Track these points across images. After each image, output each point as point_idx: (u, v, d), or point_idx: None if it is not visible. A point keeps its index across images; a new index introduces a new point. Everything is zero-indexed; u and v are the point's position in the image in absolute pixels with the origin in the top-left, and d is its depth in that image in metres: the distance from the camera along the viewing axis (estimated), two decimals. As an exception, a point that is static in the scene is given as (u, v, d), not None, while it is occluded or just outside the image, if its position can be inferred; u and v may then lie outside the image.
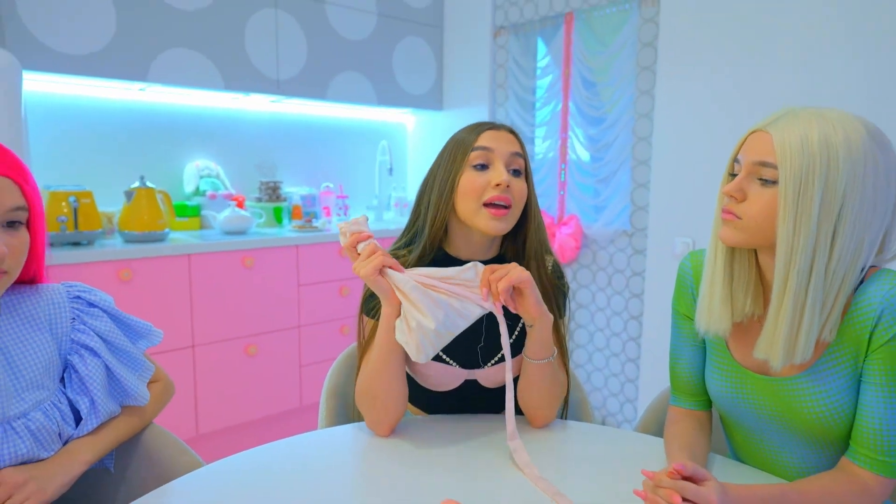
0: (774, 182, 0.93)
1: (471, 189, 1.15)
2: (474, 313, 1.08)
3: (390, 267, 1.08)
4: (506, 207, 1.15)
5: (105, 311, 1.09)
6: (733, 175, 1.00)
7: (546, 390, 1.18)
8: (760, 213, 0.94)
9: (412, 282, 1.06)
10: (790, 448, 1.04)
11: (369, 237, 1.10)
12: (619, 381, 3.05)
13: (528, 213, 1.22)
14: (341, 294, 3.01)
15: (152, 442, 1.15)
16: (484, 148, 1.17)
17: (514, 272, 1.06)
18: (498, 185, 1.13)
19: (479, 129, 1.20)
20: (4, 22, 2.24)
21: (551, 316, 1.14)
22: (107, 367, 1.07)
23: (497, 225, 1.15)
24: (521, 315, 1.13)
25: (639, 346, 2.95)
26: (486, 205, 1.14)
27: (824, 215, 0.90)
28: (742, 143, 0.99)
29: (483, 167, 1.17)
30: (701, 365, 1.16)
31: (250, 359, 2.71)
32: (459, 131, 1.23)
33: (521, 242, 1.24)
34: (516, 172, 1.19)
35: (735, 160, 1.00)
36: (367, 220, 1.14)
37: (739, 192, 0.96)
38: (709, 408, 1.18)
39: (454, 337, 1.08)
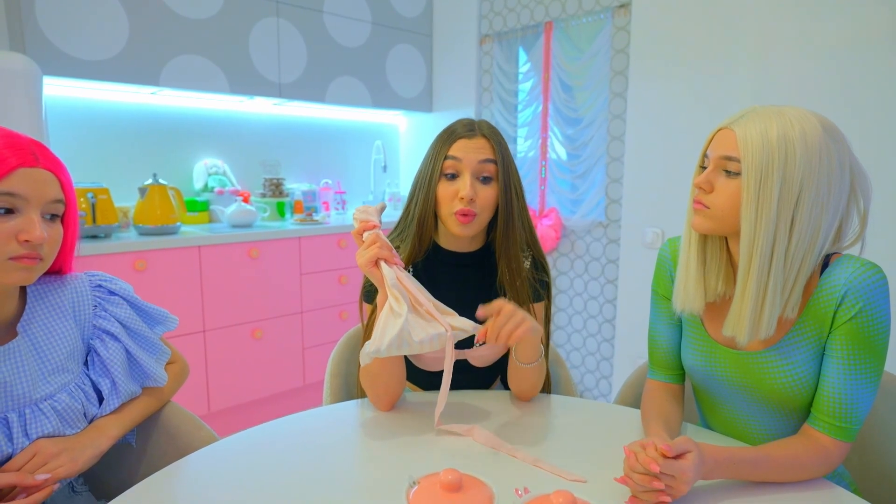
0: (738, 174, 0.94)
1: (443, 198, 1.18)
2: (435, 332, 1.01)
3: (384, 259, 1.06)
4: (468, 216, 1.15)
5: (125, 299, 1.08)
6: (704, 168, 1.00)
7: (533, 382, 1.20)
8: (726, 203, 0.95)
9: (394, 278, 1.04)
10: (756, 416, 1.05)
11: (374, 227, 1.08)
12: (596, 359, 3.06)
13: (500, 214, 1.20)
14: (340, 282, 3.00)
15: (171, 418, 1.14)
16: (453, 158, 1.17)
17: (525, 328, 1.02)
18: (461, 198, 1.14)
19: (452, 137, 1.19)
20: (25, 30, 2.20)
21: (541, 330, 1.13)
22: (127, 351, 1.06)
23: (464, 229, 1.17)
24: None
25: (613, 327, 2.96)
26: (455, 214, 1.16)
27: (783, 204, 0.91)
28: (710, 140, 0.99)
29: (453, 176, 1.17)
30: (677, 341, 1.16)
31: (257, 342, 2.71)
32: (442, 131, 1.22)
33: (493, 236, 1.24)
34: (486, 179, 1.17)
35: (704, 155, 1.00)
36: (383, 209, 1.12)
37: (707, 183, 0.97)
38: (682, 381, 1.19)
39: (407, 352, 1.01)
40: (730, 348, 1.05)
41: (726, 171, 0.95)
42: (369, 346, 1.00)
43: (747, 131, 0.93)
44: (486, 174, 1.17)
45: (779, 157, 0.90)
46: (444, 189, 1.18)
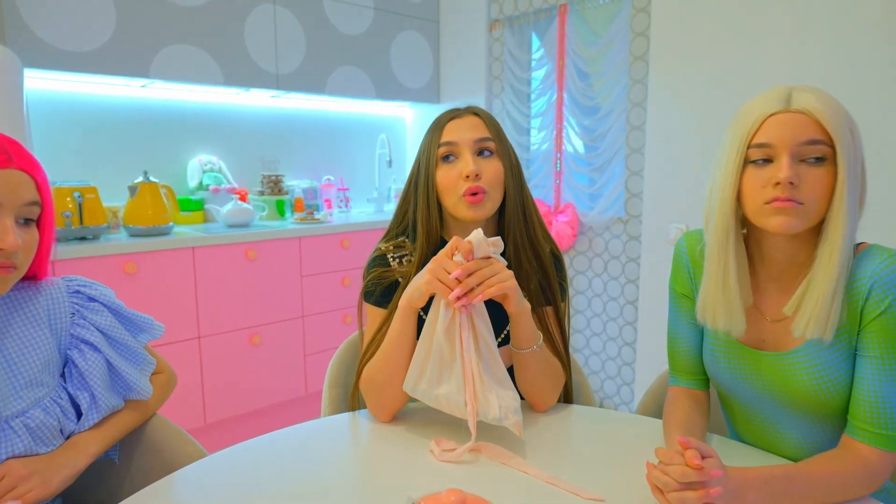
0: (823, 159, 0.90)
1: (446, 184, 1.16)
2: (461, 403, 1.02)
3: (438, 293, 1.02)
4: (478, 194, 1.14)
5: (105, 306, 1.07)
6: (753, 162, 0.94)
7: (540, 377, 1.16)
8: (820, 194, 0.91)
9: (446, 326, 1.02)
10: (789, 424, 1.02)
11: (457, 277, 1.00)
12: (616, 364, 3.04)
13: (507, 195, 1.19)
14: (343, 284, 2.99)
15: (156, 433, 1.13)
16: (448, 143, 1.16)
17: (503, 280, 1.01)
18: (467, 176, 1.13)
19: (441, 122, 1.20)
20: (5, 19, 2.20)
21: (528, 305, 1.10)
22: (107, 362, 1.04)
23: (477, 211, 1.14)
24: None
25: (635, 330, 2.93)
26: (463, 195, 1.14)
27: (862, 187, 0.92)
28: (758, 128, 0.93)
29: (449, 159, 1.17)
30: (698, 343, 1.14)
31: (255, 349, 2.70)
32: (432, 123, 1.22)
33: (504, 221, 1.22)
34: (487, 152, 1.17)
35: (756, 146, 0.93)
36: (499, 248, 1.05)
37: (797, 177, 0.90)
38: (706, 387, 1.16)
39: (428, 401, 1.06)
40: (755, 349, 1.03)
41: (813, 158, 0.91)
42: (407, 378, 1.06)
43: (827, 110, 0.90)
44: (485, 149, 1.17)
45: (854, 134, 0.91)
46: (445, 175, 1.17)
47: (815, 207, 0.91)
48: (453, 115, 1.20)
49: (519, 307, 1.07)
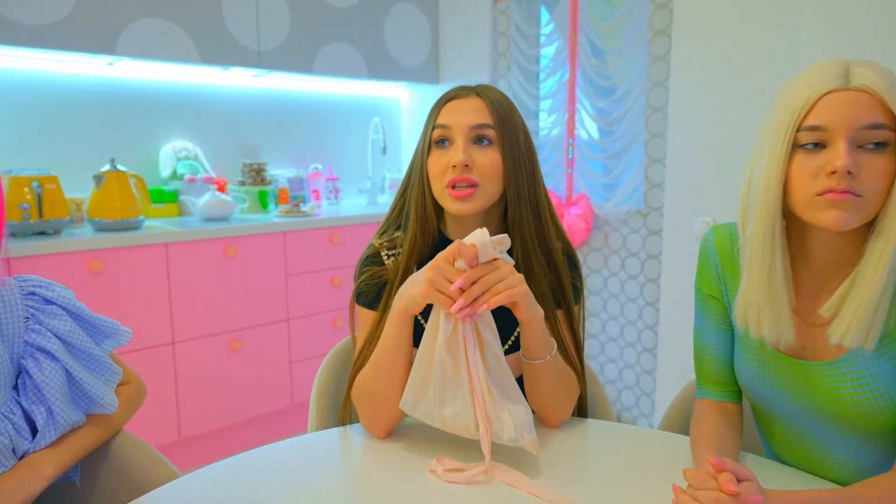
0: (886, 144, 0.87)
1: (434, 171, 1.16)
2: (469, 424, 1.01)
3: (438, 303, 1.00)
4: (470, 186, 1.12)
5: (64, 309, 1.05)
6: (802, 147, 0.91)
7: (554, 389, 1.15)
8: (881, 185, 0.87)
9: (448, 337, 0.99)
10: (834, 442, 1.01)
11: (460, 287, 0.98)
12: (635, 372, 3.03)
13: (507, 184, 1.16)
14: (333, 284, 2.99)
15: (122, 451, 1.12)
16: (442, 126, 1.16)
17: (512, 286, 0.99)
18: (454, 165, 1.12)
19: (440, 101, 1.19)
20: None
21: (541, 310, 1.07)
22: (67, 372, 1.02)
23: (461, 206, 1.13)
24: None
25: (656, 334, 2.92)
26: (449, 186, 1.13)
27: None
28: (811, 108, 0.90)
29: (443, 144, 1.16)
30: (729, 350, 1.13)
31: (235, 355, 2.69)
32: (436, 99, 1.22)
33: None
34: (485, 141, 1.15)
35: (807, 128, 0.90)
36: (504, 246, 1.03)
37: (856, 165, 0.87)
38: (738, 399, 1.15)
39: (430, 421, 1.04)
40: (793, 358, 1.01)
41: (873, 144, 0.87)
42: (405, 395, 1.04)
43: (891, 88, 0.86)
44: (483, 136, 1.15)
45: None
46: (435, 161, 1.16)
47: (874, 200, 0.88)
48: (454, 94, 1.19)
49: (530, 313, 1.04)
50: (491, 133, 1.14)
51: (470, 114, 1.15)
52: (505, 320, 1.11)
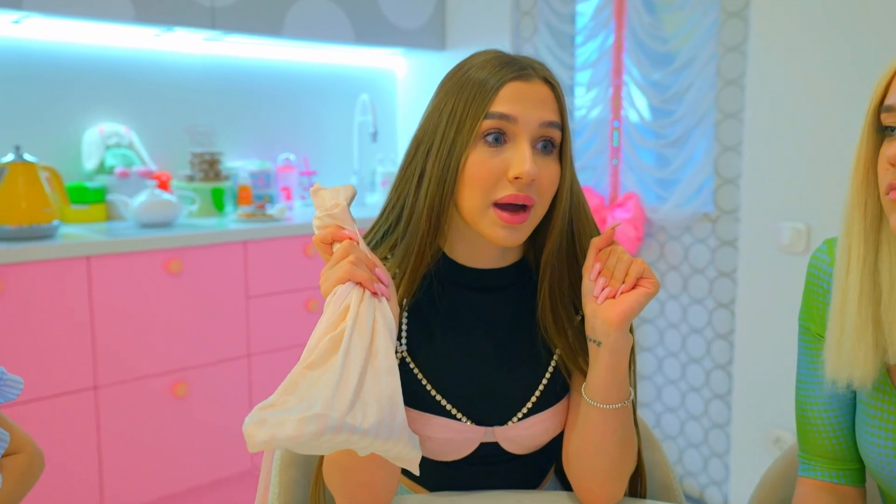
0: None
1: (480, 178, 1.08)
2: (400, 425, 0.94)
3: (360, 283, 0.96)
4: (524, 209, 1.09)
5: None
6: (884, 130, 0.94)
7: (617, 451, 1.13)
8: None
9: (357, 313, 0.94)
10: None
11: (350, 237, 1.00)
12: (703, 426, 3.01)
13: (555, 205, 1.16)
14: (308, 309, 3.00)
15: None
16: (503, 116, 1.08)
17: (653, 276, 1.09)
18: (517, 177, 1.06)
19: (499, 76, 1.10)
20: None
21: (631, 336, 1.09)
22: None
23: (508, 235, 1.10)
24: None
25: (730, 376, 2.89)
26: (496, 205, 1.08)
27: None
28: (889, 81, 0.94)
29: (499, 141, 1.09)
30: (847, 413, 1.13)
31: (179, 402, 2.69)
32: (472, 67, 1.14)
33: (540, 245, 1.20)
34: (548, 146, 1.12)
35: (887, 108, 0.93)
36: (353, 196, 1.06)
37: None
38: (860, 481, 1.15)
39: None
40: None
41: None
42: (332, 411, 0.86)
43: None
44: (548, 140, 1.11)
45: None
46: (483, 162, 1.08)
47: None
48: (517, 73, 1.11)
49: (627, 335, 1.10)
50: (557, 136, 1.11)
51: (539, 106, 1.10)
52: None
